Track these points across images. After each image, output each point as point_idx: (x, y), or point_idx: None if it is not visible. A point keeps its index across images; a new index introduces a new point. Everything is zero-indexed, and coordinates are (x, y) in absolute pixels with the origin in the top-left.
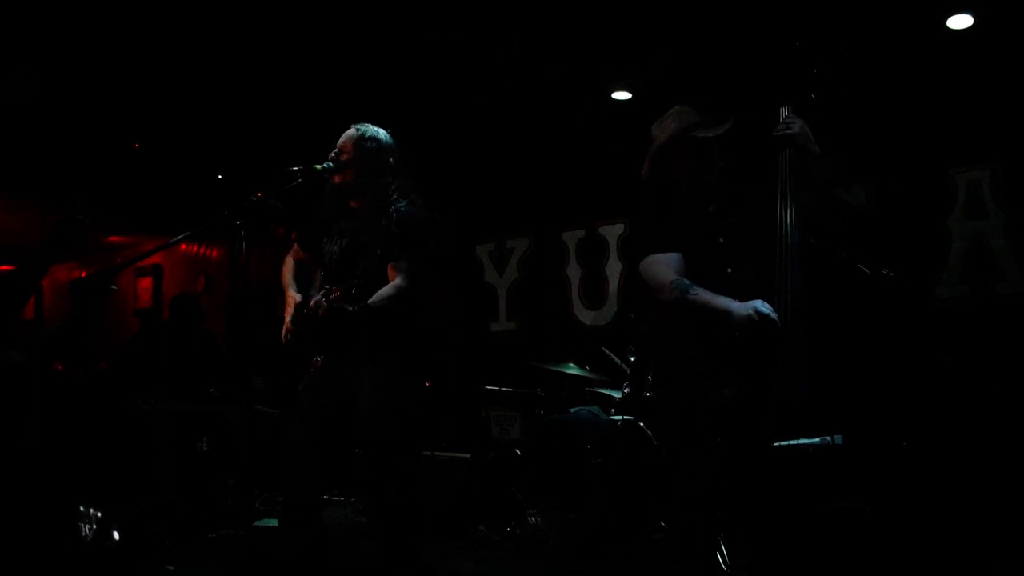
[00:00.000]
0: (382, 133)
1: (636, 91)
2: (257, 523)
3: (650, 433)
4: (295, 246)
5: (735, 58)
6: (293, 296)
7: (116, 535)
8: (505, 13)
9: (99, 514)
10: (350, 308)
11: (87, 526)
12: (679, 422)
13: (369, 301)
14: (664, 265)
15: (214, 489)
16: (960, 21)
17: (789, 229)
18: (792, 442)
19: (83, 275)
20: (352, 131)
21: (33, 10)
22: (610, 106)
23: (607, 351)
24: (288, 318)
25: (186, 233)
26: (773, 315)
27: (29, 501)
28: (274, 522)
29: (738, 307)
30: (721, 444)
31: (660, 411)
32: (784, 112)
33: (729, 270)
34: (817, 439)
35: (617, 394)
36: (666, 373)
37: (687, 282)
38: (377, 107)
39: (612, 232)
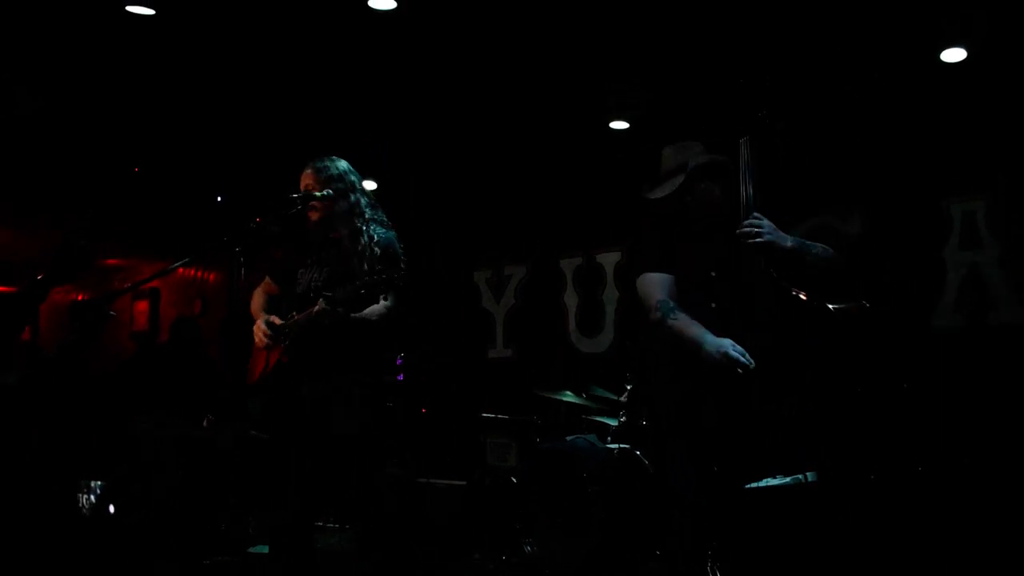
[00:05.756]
0: (336, 160)
1: (633, 120)
2: (251, 549)
3: (646, 462)
4: (266, 279)
5: (710, 91)
6: (265, 317)
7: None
8: (503, 41)
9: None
10: (346, 312)
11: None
12: (659, 446)
13: (365, 312)
14: (654, 285)
15: (207, 514)
16: (954, 55)
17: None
18: (764, 483)
19: (80, 298)
20: (308, 169)
21: (32, 39)
22: (607, 135)
23: (600, 390)
24: (262, 327)
25: (185, 259)
26: (742, 358)
27: (27, 520)
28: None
29: (710, 342)
30: (699, 468)
31: (645, 434)
32: (744, 152)
33: (713, 304)
34: (789, 479)
35: (613, 422)
36: (647, 396)
37: (672, 304)
38: (376, 133)
39: (609, 260)
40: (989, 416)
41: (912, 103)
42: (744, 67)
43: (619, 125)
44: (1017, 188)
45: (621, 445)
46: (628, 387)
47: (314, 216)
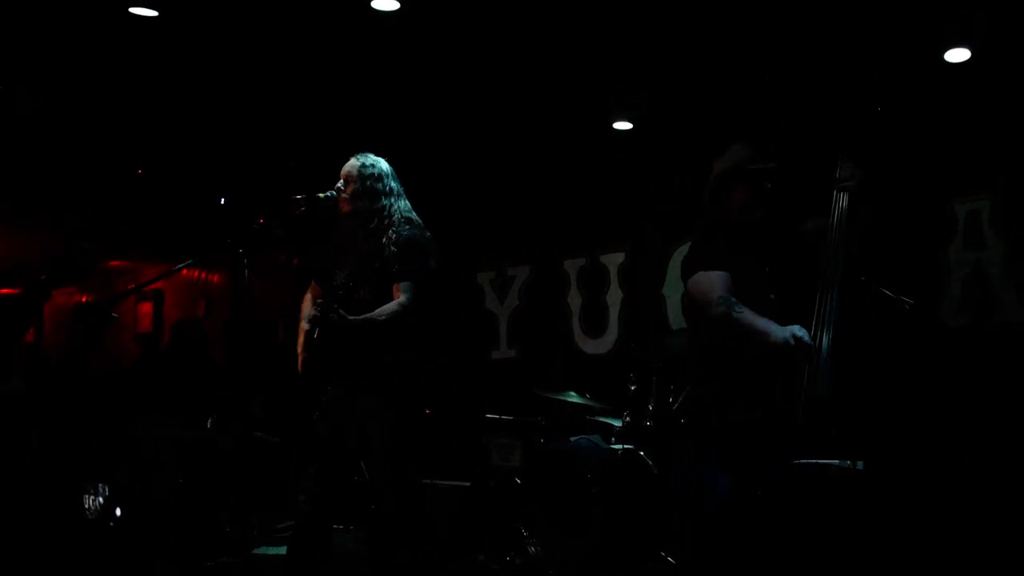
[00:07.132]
0: (381, 161)
1: (637, 121)
2: (256, 551)
3: (650, 462)
4: (312, 284)
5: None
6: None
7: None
8: (506, 42)
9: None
10: (342, 316)
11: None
12: (700, 443)
13: (372, 313)
14: (712, 281)
15: (210, 515)
16: (958, 55)
17: (834, 262)
18: (815, 461)
19: (84, 300)
20: (354, 161)
21: (34, 39)
22: (611, 136)
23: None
24: (300, 347)
25: (188, 261)
26: (808, 340)
27: (29, 521)
28: (272, 550)
29: (777, 330)
30: (734, 466)
31: (685, 432)
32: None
33: (772, 295)
34: (837, 461)
35: (618, 422)
36: (690, 395)
37: (734, 300)
38: (379, 134)
39: (613, 261)
40: (993, 415)
41: (915, 103)
42: (744, 67)
43: (622, 126)
44: (1020, 187)
45: (625, 445)
46: (632, 388)
47: (344, 210)
